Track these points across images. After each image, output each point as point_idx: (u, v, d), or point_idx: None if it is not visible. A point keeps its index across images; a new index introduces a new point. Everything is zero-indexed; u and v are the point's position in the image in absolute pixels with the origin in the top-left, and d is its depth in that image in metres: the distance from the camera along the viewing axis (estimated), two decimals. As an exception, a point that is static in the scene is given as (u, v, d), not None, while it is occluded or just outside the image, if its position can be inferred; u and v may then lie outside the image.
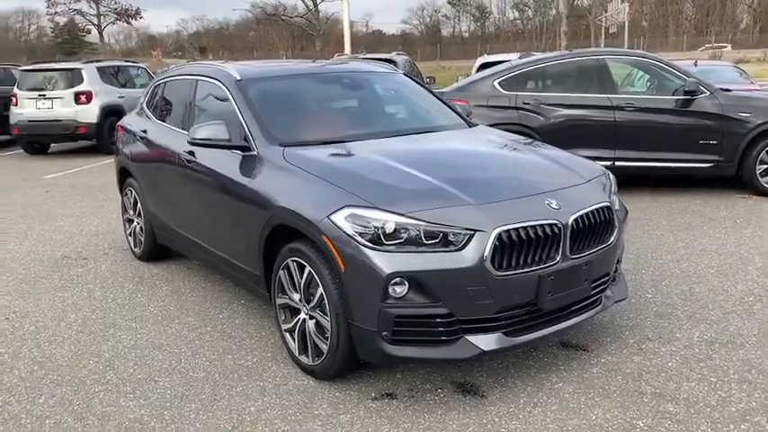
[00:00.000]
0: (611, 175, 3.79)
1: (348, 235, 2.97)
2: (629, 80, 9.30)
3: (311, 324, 3.29)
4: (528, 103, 7.73)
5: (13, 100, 12.40)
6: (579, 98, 7.69)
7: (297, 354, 3.43)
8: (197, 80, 4.61)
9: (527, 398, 3.14)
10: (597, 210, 3.31)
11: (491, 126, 7.62)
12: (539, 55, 8.75)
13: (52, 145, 13.45)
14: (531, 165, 3.73)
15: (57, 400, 3.26)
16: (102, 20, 55.35)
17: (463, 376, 3.35)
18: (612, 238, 3.41)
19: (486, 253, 2.91)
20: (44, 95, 12.32)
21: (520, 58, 8.91)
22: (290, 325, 3.45)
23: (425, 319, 2.95)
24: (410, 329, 2.97)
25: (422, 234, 2.93)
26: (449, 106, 4.74)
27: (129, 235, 5.66)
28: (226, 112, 4.08)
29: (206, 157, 4.13)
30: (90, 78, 12.51)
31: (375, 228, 2.93)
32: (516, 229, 2.99)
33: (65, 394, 3.32)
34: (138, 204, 5.35)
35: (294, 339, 3.44)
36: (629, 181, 7.70)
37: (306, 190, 3.32)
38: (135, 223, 5.50)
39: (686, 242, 5.57)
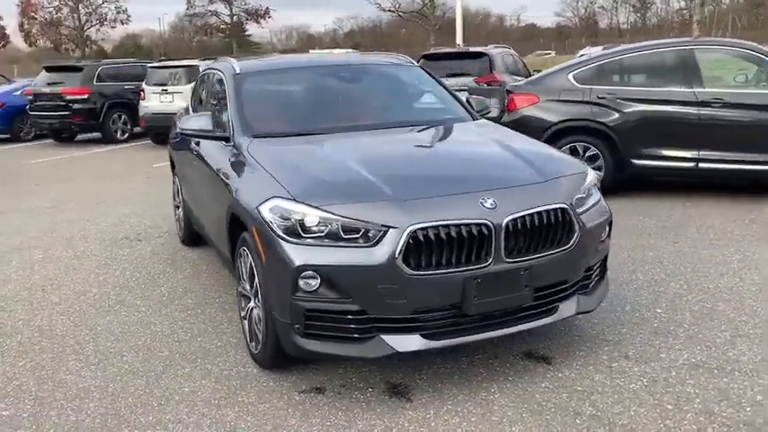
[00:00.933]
0: (591, 176, 3.48)
1: (269, 226, 2.99)
2: (719, 72, 8.39)
3: (256, 312, 3.35)
4: (603, 98, 7.21)
5: (142, 94, 13.61)
6: (660, 93, 7.05)
7: (248, 341, 3.51)
8: (212, 73, 4.83)
9: (452, 405, 2.99)
10: (547, 211, 3.06)
11: (562, 122, 7.38)
12: (621, 46, 8.13)
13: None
14: (487, 162, 3.52)
15: (32, 365, 3.59)
16: (233, 20, 58.39)
17: (402, 377, 3.25)
18: (571, 243, 3.13)
19: (398, 251, 2.80)
20: (166, 90, 13.40)
21: (604, 50, 8.35)
22: (244, 312, 3.54)
23: (337, 314, 2.90)
24: (322, 324, 2.93)
25: (340, 229, 2.88)
26: (458, 100, 4.57)
27: (177, 220, 6.05)
28: (225, 103, 4.25)
29: (204, 147, 4.32)
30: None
31: (295, 220, 2.93)
32: (435, 228, 2.85)
33: (42, 360, 3.65)
34: (179, 191, 5.71)
35: (246, 327, 3.52)
36: (708, 185, 6.99)
37: (251, 181, 3.39)
38: (179, 209, 5.87)
39: (745, 255, 4.94)
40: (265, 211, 3.03)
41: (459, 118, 4.32)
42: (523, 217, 2.99)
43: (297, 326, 2.94)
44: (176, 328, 4.02)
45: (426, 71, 4.81)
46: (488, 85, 10.03)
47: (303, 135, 3.85)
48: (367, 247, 2.84)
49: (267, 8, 58.03)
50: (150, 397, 3.19)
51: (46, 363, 3.62)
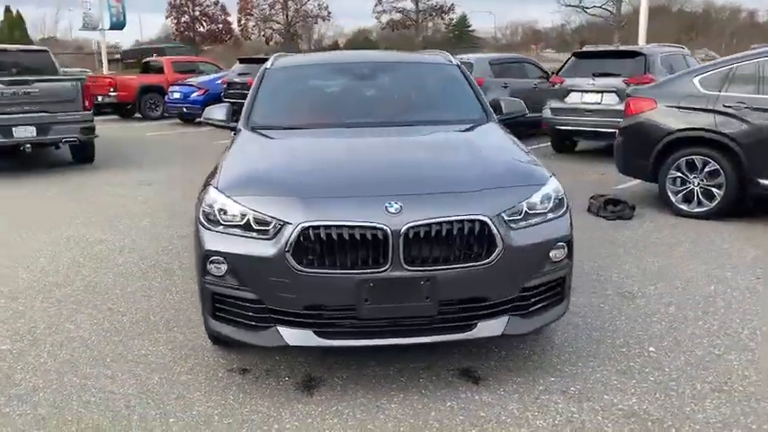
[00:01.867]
0: (546, 189, 3.20)
1: (199, 212, 3.20)
2: None
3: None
4: (730, 107, 6.33)
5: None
6: (801, 103, 6.03)
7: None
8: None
9: (345, 406, 2.99)
10: (460, 222, 2.89)
11: (680, 131, 6.58)
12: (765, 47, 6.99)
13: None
14: (428, 167, 3.37)
15: (26, 302, 4.27)
16: (419, 16, 58.55)
17: (324, 372, 3.29)
18: (491, 259, 2.92)
19: (288, 246, 2.86)
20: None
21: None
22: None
23: (238, 301, 3.04)
24: (227, 309, 3.09)
25: (252, 221, 3.00)
26: (480, 102, 4.38)
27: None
28: (251, 96, 4.55)
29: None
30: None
31: (216, 209, 3.11)
32: (328, 227, 2.85)
33: (33, 301, 4.33)
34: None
35: None
36: None
37: (215, 170, 3.63)
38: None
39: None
40: (202, 199, 3.26)
41: (468, 120, 4.17)
42: (428, 225, 2.86)
43: (208, 308, 3.13)
44: (173, 302, 4.33)
45: (462, 71, 4.66)
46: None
47: (295, 129, 4.01)
48: (266, 239, 2.93)
49: (452, 4, 57.99)
50: (112, 353, 3.60)
51: (35, 304, 4.31)
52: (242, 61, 17.01)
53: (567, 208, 3.27)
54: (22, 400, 3.09)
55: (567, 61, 11.06)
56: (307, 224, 2.86)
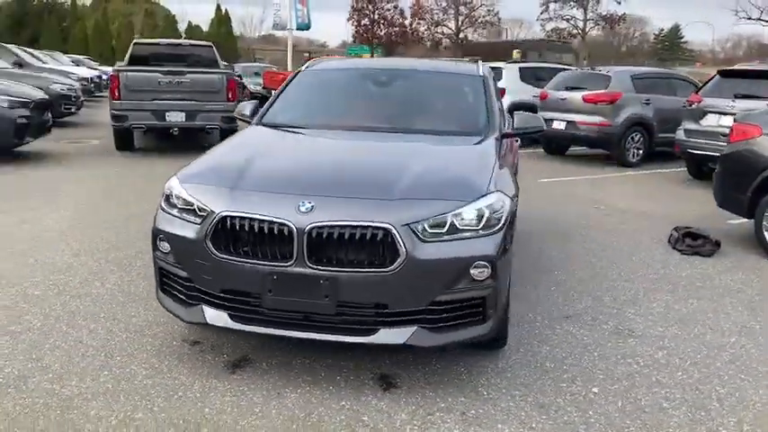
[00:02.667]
0: (477, 205, 3.13)
1: (162, 196, 3.53)
2: None
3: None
4: None
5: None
6: None
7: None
8: None
9: (254, 390, 3.17)
10: (363, 227, 2.95)
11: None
12: None
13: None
14: (363, 172, 3.45)
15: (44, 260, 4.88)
16: (585, 25, 54.74)
17: (261, 356, 3.50)
18: (393, 267, 2.94)
19: (208, 232, 3.11)
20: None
21: None
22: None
23: (175, 277, 3.34)
24: (169, 283, 3.41)
25: (195, 207, 3.29)
26: (489, 117, 4.29)
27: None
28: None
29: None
30: (508, 77, 13.77)
31: (174, 195, 3.44)
32: (243, 219, 3.06)
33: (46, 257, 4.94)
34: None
35: None
36: None
37: None
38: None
39: None
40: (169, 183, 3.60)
41: (462, 132, 4.13)
42: (331, 227, 2.96)
43: (157, 281, 3.48)
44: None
45: (485, 84, 4.58)
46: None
47: (292, 128, 4.25)
48: (196, 225, 3.20)
49: (624, 14, 53.97)
50: (103, 313, 4.12)
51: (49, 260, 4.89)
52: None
53: (503, 228, 3.16)
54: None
55: (710, 79, 10.09)
56: (225, 214, 3.09)
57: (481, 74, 4.69)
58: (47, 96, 11.09)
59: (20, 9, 38.91)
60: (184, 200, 3.31)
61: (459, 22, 56.04)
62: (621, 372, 3.47)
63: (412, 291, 3.01)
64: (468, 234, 3.08)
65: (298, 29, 30.63)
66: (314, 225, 2.96)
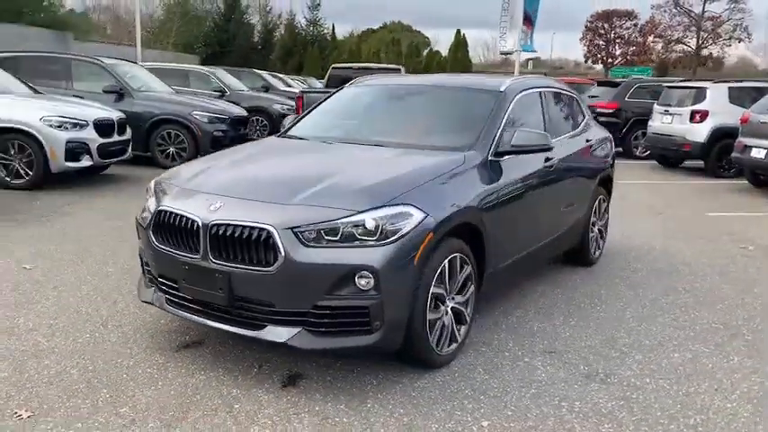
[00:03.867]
0: (385, 221, 3.14)
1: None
2: None
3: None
4: None
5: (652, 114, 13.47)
6: None
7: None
8: None
9: (157, 369, 3.53)
10: (249, 228, 3.15)
11: None
12: None
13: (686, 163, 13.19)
14: (296, 179, 3.57)
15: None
16: None
17: (204, 341, 3.84)
18: (273, 268, 3.09)
19: (150, 223, 3.56)
20: (668, 111, 12.98)
21: None
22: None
23: (143, 262, 3.84)
24: (143, 268, 3.90)
25: (151, 201, 3.76)
26: (487, 134, 4.11)
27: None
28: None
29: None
30: (713, 98, 12.30)
31: (147, 189, 3.93)
32: (169, 213, 3.45)
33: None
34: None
35: None
36: None
37: None
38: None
39: None
40: None
41: (447, 147, 4.02)
42: (227, 225, 3.20)
43: (141, 265, 4.02)
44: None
45: (498, 101, 4.36)
46: None
47: (300, 139, 4.53)
48: (148, 217, 3.66)
49: None
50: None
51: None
52: (599, 84, 16.72)
53: (396, 241, 3.11)
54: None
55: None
56: (161, 208, 3.52)
57: (502, 90, 4.49)
58: (245, 113, 12.77)
59: (290, 41, 44.69)
60: (149, 195, 3.81)
61: (700, 39, 50.62)
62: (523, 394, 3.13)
63: (294, 292, 3.12)
64: (358, 243, 3.10)
65: (524, 50, 30.58)
66: (214, 222, 3.24)
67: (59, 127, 8.58)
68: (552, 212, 4.78)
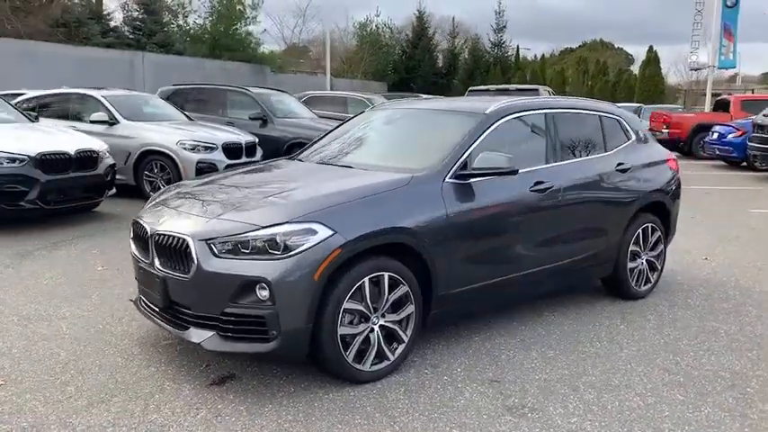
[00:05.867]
0: (282, 236, 3.37)
1: None
2: None
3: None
4: None
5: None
6: None
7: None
8: None
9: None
10: (173, 237, 3.56)
11: None
12: None
13: None
14: (244, 196, 3.89)
15: None
16: None
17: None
18: (188, 274, 3.46)
19: (131, 234, 4.11)
20: None
21: None
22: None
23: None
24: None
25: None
26: (452, 156, 4.09)
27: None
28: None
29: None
30: None
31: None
32: (135, 223, 3.98)
33: None
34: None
35: None
36: None
37: None
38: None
39: None
40: None
41: (408, 169, 4.02)
42: (162, 235, 3.64)
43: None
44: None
45: (477, 124, 4.30)
46: None
47: (297, 161, 4.85)
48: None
49: None
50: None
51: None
52: None
53: (294, 256, 3.31)
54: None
55: None
56: (134, 218, 4.06)
57: (486, 113, 4.40)
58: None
59: (473, 63, 45.16)
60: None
61: None
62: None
63: (206, 298, 3.46)
64: (268, 256, 3.35)
65: (721, 67, 27.96)
66: (156, 232, 3.69)
67: (192, 149, 9.85)
68: (547, 239, 4.54)
